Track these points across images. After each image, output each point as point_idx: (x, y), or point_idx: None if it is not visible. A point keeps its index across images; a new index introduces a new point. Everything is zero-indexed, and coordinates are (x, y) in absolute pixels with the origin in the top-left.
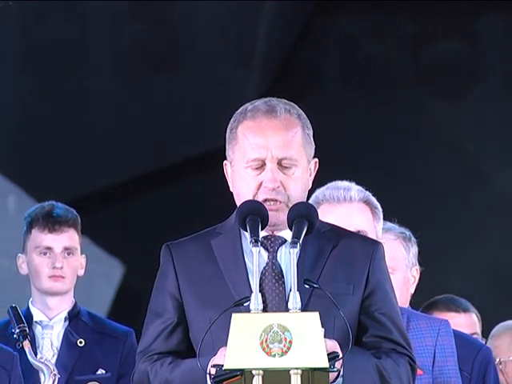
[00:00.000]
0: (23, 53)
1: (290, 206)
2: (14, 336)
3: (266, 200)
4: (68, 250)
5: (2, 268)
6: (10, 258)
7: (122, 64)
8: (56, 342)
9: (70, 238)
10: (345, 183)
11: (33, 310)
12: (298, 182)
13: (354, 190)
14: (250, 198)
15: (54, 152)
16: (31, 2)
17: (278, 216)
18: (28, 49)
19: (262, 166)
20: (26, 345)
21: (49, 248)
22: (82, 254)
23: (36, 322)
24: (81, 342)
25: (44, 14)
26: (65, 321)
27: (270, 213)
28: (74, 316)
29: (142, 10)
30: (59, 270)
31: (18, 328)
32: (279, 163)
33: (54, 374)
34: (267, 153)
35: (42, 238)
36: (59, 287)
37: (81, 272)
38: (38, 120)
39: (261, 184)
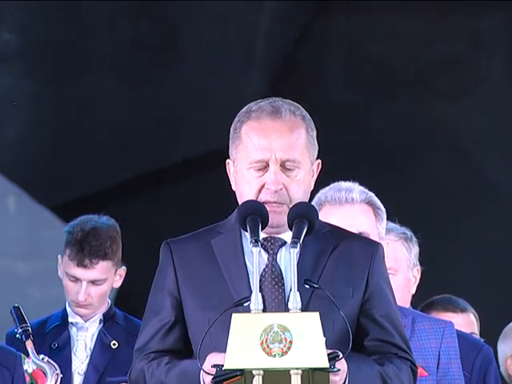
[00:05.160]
0: (23, 53)
1: None
2: (17, 336)
3: (267, 202)
4: (96, 281)
5: (2, 268)
6: (10, 258)
7: (123, 64)
8: (90, 344)
9: (98, 271)
10: (347, 184)
11: (69, 311)
12: (301, 184)
13: (356, 191)
14: (252, 198)
15: (54, 152)
16: (31, 1)
17: (280, 218)
18: (28, 49)
19: (265, 167)
20: (29, 344)
21: (77, 278)
22: (120, 266)
23: (71, 323)
24: (114, 344)
25: (44, 14)
26: (99, 323)
27: (272, 214)
28: (109, 318)
29: (142, 9)
30: (83, 301)
31: (21, 328)
32: (282, 165)
33: (57, 374)
34: (271, 154)
35: (71, 266)
36: (83, 312)
37: (117, 284)
38: (38, 120)
39: (263, 185)
